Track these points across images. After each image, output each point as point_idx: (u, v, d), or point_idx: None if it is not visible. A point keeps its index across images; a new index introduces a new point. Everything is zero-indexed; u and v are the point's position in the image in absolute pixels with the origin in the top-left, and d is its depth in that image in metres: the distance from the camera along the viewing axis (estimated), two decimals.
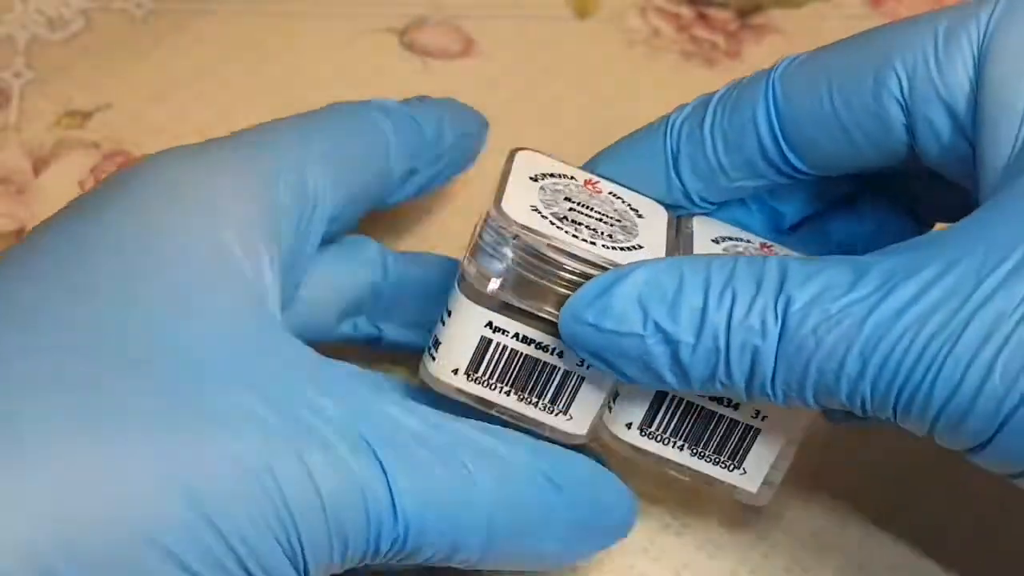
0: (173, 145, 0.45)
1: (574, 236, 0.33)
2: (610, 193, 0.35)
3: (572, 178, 0.35)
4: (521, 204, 0.33)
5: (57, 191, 0.43)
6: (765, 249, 0.36)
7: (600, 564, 0.37)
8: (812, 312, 0.29)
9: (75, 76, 0.47)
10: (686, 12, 0.51)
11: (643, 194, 0.36)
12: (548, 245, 0.32)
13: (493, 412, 0.34)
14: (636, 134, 0.36)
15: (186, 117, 0.46)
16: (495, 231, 0.32)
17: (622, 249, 0.33)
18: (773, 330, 0.30)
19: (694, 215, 0.36)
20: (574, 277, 0.32)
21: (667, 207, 0.36)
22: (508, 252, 0.32)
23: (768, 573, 0.38)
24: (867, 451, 0.38)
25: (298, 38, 0.49)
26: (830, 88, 0.33)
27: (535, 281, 0.32)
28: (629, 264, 0.32)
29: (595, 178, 0.36)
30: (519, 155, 0.35)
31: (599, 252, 0.32)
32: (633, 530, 0.38)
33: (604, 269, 0.32)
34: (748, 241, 0.36)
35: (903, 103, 0.32)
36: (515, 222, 0.32)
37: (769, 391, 0.31)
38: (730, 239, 0.36)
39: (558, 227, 0.33)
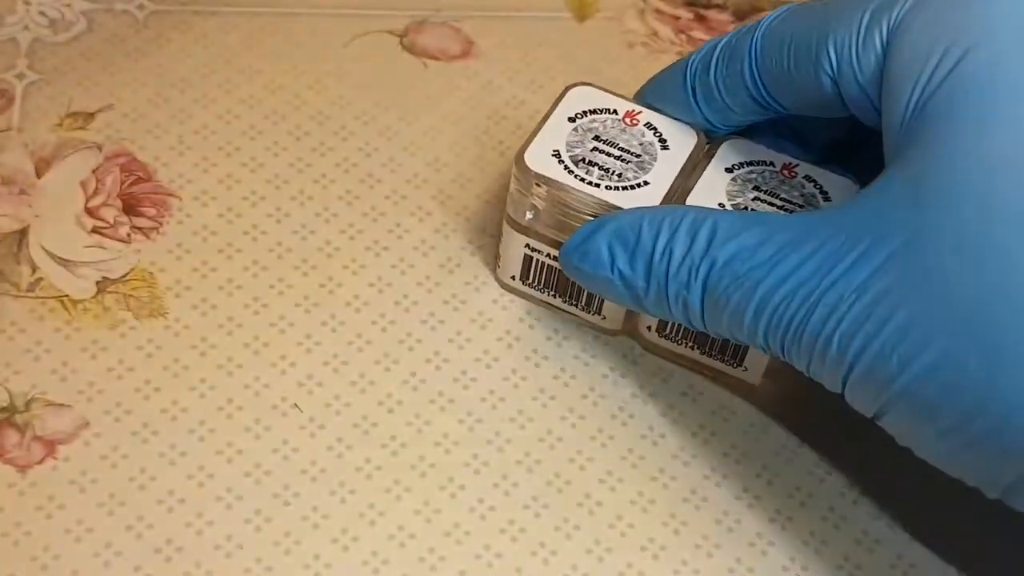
0: (175, 146, 0.46)
1: (582, 180, 0.39)
2: (646, 124, 0.40)
3: (614, 112, 0.41)
4: (544, 150, 0.39)
5: (59, 192, 0.44)
6: (786, 171, 0.40)
7: (599, 562, 0.37)
8: (725, 274, 0.35)
9: (77, 77, 0.47)
10: (684, 14, 0.51)
11: (682, 121, 0.40)
12: (557, 190, 0.38)
13: (548, 306, 0.42)
14: (669, 69, 0.41)
15: (188, 118, 0.46)
16: (520, 178, 0.39)
17: (625, 189, 0.39)
18: (696, 286, 0.35)
19: (726, 139, 0.40)
20: (580, 214, 0.38)
21: (702, 132, 0.40)
22: (531, 194, 0.39)
23: (766, 571, 0.38)
24: (866, 451, 0.39)
25: (298, 38, 0.49)
26: (788, 53, 0.37)
27: (553, 216, 0.39)
28: (607, 215, 0.38)
29: (638, 109, 0.41)
30: (570, 92, 0.41)
31: (600, 195, 0.38)
32: (630, 528, 0.38)
33: (607, 209, 0.38)
34: (770, 164, 0.40)
35: (833, 78, 0.36)
36: (532, 171, 0.39)
37: (703, 329, 0.37)
38: (749, 164, 0.40)
39: (571, 171, 0.39)
